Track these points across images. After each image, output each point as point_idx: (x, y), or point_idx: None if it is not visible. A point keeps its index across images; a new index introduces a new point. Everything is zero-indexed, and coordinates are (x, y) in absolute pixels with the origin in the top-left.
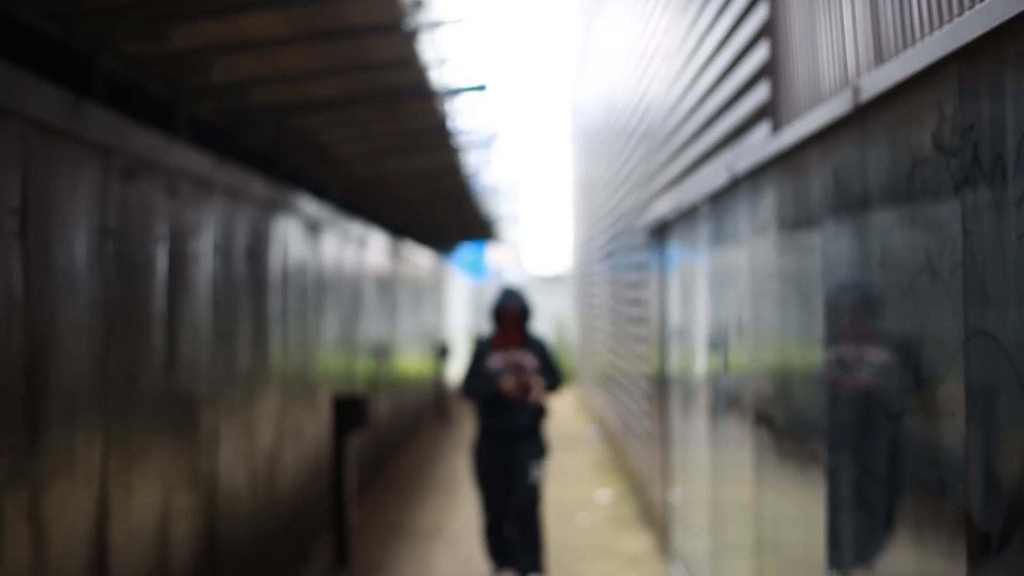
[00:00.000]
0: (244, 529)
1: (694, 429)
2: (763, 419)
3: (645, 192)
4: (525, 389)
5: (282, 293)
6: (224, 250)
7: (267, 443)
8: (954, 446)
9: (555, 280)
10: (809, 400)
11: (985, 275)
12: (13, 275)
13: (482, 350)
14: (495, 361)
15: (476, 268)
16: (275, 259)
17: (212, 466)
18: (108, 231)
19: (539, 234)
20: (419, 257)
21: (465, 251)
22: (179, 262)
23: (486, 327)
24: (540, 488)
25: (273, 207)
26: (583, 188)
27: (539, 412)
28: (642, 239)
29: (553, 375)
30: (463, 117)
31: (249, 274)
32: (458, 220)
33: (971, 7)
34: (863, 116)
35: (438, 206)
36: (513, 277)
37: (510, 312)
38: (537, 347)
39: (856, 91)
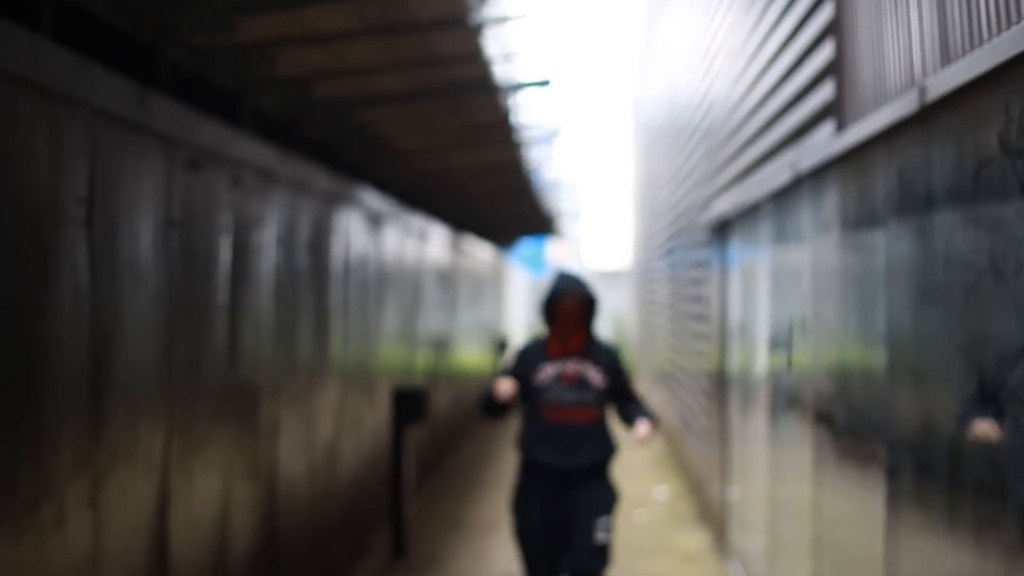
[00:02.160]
0: (303, 520)
1: (753, 427)
2: (823, 418)
3: (706, 190)
4: (585, 413)
5: (343, 285)
6: (287, 242)
7: (326, 435)
8: (1017, 449)
9: (614, 276)
10: (870, 399)
11: None
12: (79, 264)
13: (529, 356)
14: (546, 373)
15: (536, 263)
16: (337, 251)
17: (272, 457)
18: (173, 221)
19: (599, 230)
20: (479, 251)
21: (525, 246)
22: (242, 253)
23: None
24: (609, 552)
25: (336, 200)
26: (644, 184)
27: (607, 446)
28: (703, 236)
29: (629, 397)
30: (526, 112)
31: (311, 266)
32: (519, 215)
33: None
34: (929, 116)
35: (499, 200)
36: (573, 271)
37: (569, 305)
38: (605, 356)
39: (922, 91)
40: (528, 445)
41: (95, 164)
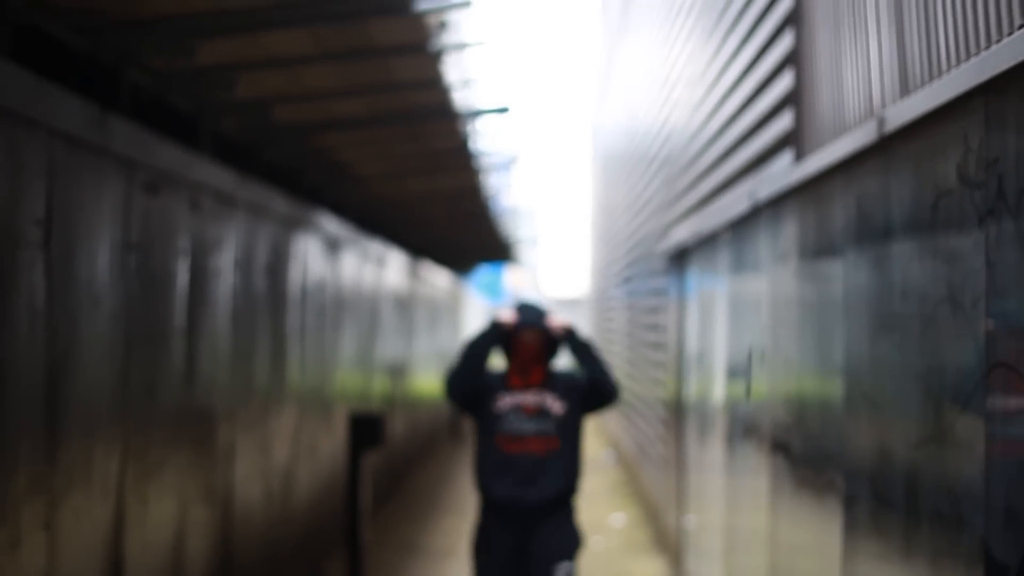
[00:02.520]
0: (258, 545)
1: (710, 455)
2: (780, 446)
3: (665, 218)
4: (545, 443)
5: (301, 310)
6: (244, 266)
7: (282, 459)
8: (973, 478)
9: (572, 303)
10: (826, 428)
11: (1007, 307)
12: (36, 285)
13: (489, 382)
14: (504, 402)
15: (493, 290)
16: (295, 276)
17: (228, 481)
18: (131, 244)
19: (557, 257)
20: (437, 277)
21: (483, 272)
22: (200, 277)
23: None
24: None
25: (294, 224)
26: (602, 212)
27: (570, 477)
28: (661, 265)
29: (601, 376)
30: (485, 139)
31: (268, 290)
32: (477, 241)
33: (999, 40)
34: (887, 146)
35: (457, 227)
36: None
37: (529, 340)
38: (564, 383)
39: (881, 121)
40: (485, 479)
41: (54, 186)
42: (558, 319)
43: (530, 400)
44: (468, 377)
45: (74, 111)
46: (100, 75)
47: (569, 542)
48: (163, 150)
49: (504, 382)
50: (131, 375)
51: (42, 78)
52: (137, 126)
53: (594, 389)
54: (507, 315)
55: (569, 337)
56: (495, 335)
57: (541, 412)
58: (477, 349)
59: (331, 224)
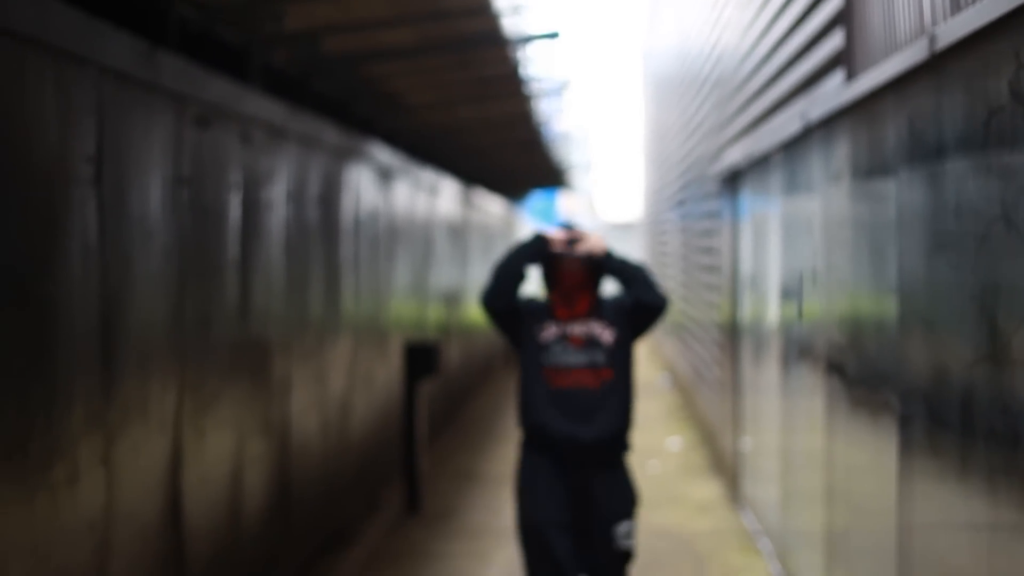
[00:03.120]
0: (316, 476)
1: (765, 377)
2: (835, 367)
3: (717, 140)
4: (597, 375)
5: (354, 240)
6: (297, 198)
7: (339, 390)
8: None
9: (626, 227)
10: (881, 348)
11: None
12: (88, 223)
13: (535, 310)
14: (550, 332)
15: (547, 215)
16: (347, 207)
17: (284, 413)
18: (182, 179)
19: (610, 182)
20: (490, 204)
21: (536, 198)
22: (252, 210)
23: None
24: (631, 559)
25: (345, 155)
26: (654, 136)
27: (625, 414)
28: (714, 187)
29: (645, 289)
30: (535, 65)
31: (321, 221)
32: (529, 168)
33: None
34: (939, 64)
35: (509, 154)
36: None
37: (572, 267)
38: (613, 309)
39: (932, 39)
40: (533, 415)
41: (104, 123)
42: (589, 242)
43: (577, 331)
44: (509, 282)
45: (123, 47)
46: (148, 10)
47: (627, 499)
48: (213, 84)
49: (549, 312)
50: (185, 309)
51: (91, 15)
52: (186, 61)
53: (638, 304)
54: (556, 235)
55: (606, 259)
56: (540, 247)
57: (590, 342)
58: (521, 254)
59: (383, 154)
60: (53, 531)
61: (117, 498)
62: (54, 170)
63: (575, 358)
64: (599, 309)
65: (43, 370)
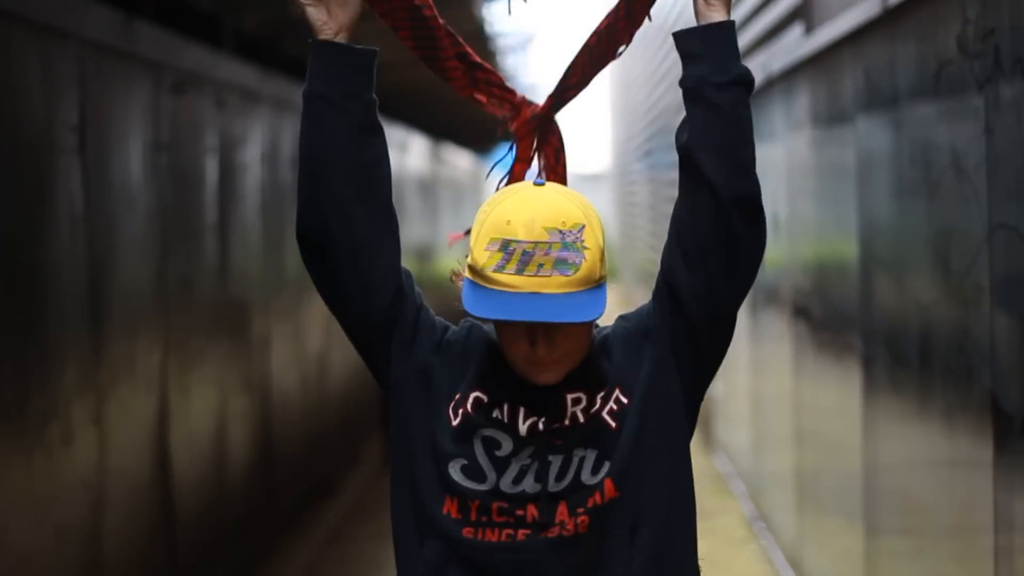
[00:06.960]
0: (297, 431)
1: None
2: (801, 312)
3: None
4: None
5: None
6: (271, 159)
7: (317, 347)
8: (980, 335)
9: (594, 178)
10: (844, 292)
11: (1008, 171)
12: (74, 190)
13: (450, 345)
14: (476, 409)
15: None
16: None
17: (265, 370)
18: (161, 145)
19: (577, 133)
20: (459, 159)
21: (504, 151)
22: (229, 173)
23: None
24: None
25: None
26: (621, 86)
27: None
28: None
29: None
30: (501, 20)
31: (296, 182)
32: (496, 122)
33: None
34: (892, 19)
35: (476, 109)
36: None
37: None
38: (621, 339)
39: None
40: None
41: (86, 93)
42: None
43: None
44: (317, 134)
45: (101, 19)
46: None
47: None
48: (187, 51)
49: (491, 368)
50: (168, 272)
51: None
52: (161, 29)
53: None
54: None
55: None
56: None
57: (583, 436)
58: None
59: None
60: (50, 490)
61: (109, 456)
62: (41, 141)
63: (531, 478)
64: (596, 360)
65: (37, 333)
